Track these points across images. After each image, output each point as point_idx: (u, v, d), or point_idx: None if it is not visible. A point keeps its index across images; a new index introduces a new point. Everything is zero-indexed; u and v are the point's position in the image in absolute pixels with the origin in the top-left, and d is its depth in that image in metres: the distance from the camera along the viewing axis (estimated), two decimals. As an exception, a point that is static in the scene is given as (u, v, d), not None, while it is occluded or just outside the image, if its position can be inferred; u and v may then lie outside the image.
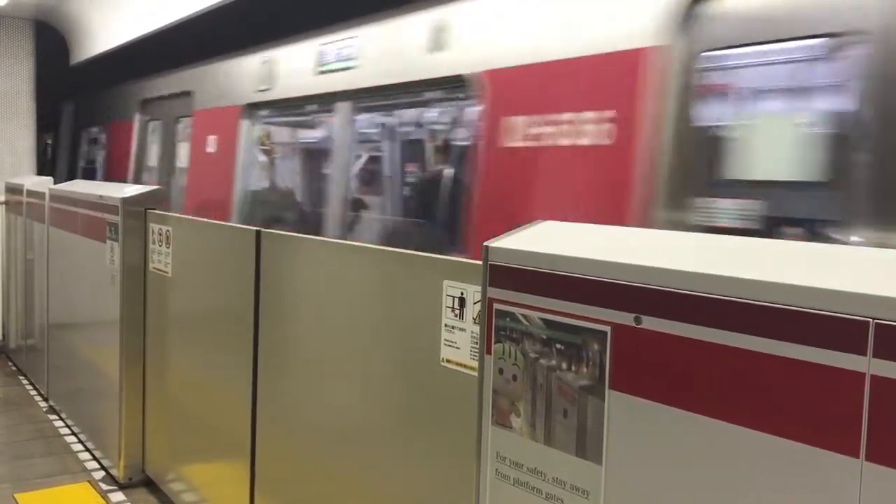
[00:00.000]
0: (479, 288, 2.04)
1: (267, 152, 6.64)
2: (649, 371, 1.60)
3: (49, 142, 12.36)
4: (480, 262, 2.00)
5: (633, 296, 1.63)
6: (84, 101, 10.75)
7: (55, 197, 5.74)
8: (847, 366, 1.31)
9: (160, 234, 4.27)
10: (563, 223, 2.10)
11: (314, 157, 7.05)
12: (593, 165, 3.38)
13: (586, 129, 3.39)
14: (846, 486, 1.31)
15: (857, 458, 1.30)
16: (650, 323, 1.60)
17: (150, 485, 4.48)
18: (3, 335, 7.46)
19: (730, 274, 1.48)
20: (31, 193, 6.45)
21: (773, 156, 2.86)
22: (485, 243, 1.98)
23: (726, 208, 2.94)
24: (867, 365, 1.28)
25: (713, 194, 2.97)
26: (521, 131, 3.70)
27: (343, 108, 5.45)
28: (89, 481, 4.57)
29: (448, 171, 5.19)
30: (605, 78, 3.37)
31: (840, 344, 1.32)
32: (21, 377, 6.72)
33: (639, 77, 3.18)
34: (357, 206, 5.90)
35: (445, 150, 5.46)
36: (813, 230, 2.76)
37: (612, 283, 1.67)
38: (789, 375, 1.38)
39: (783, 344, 1.39)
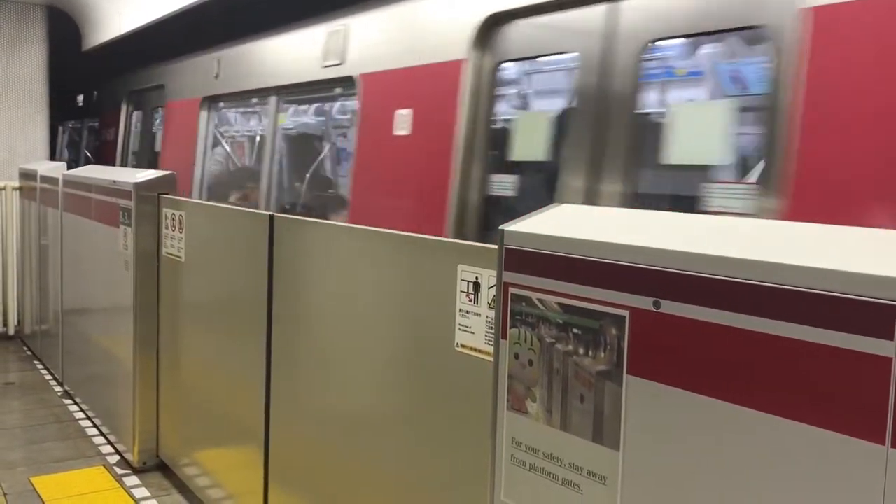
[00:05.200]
0: (494, 272, 2.02)
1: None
2: (668, 356, 1.58)
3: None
4: (496, 247, 1.98)
5: (652, 279, 1.60)
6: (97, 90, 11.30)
7: (68, 182, 5.75)
8: (872, 350, 1.28)
9: (173, 219, 4.27)
10: (581, 206, 2.07)
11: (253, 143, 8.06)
12: (425, 147, 4.38)
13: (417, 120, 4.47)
14: (870, 473, 1.29)
15: (883, 444, 1.27)
16: (669, 307, 1.57)
17: (164, 469, 4.50)
18: (18, 320, 7.50)
19: (750, 257, 1.45)
20: (44, 179, 6.46)
21: (528, 143, 3.95)
22: (501, 227, 1.96)
23: (500, 181, 4.09)
24: (894, 350, 1.26)
25: (496, 171, 4.12)
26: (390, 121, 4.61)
27: (272, 101, 6.44)
28: (104, 465, 4.59)
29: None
30: (432, 82, 4.42)
31: (865, 328, 1.29)
32: (36, 362, 6.76)
33: (456, 81, 4.15)
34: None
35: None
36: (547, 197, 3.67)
37: (630, 266, 1.65)
38: (812, 360, 1.35)
39: (806, 328, 1.36)
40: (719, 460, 1.50)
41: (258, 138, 7.67)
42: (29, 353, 7.06)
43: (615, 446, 1.69)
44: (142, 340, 4.47)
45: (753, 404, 1.44)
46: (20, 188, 7.36)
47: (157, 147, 8.65)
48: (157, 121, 8.90)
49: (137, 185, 4.44)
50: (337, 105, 7.05)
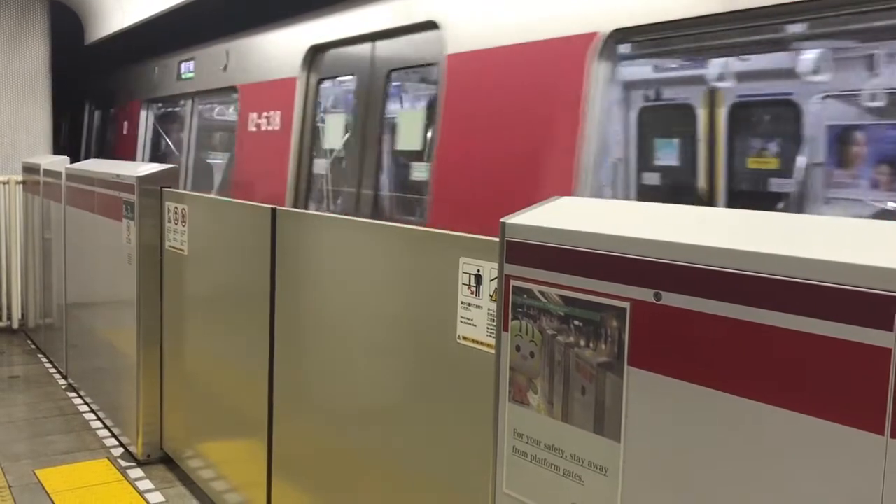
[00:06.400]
0: (495, 265, 2.02)
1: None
2: (669, 347, 1.59)
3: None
4: (497, 239, 1.98)
5: (653, 271, 1.61)
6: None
7: (71, 176, 5.75)
8: (872, 341, 1.28)
9: (176, 213, 4.27)
10: (582, 199, 2.07)
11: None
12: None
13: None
14: (870, 463, 1.29)
15: (882, 434, 1.28)
16: (670, 299, 1.58)
17: (168, 461, 4.52)
18: (22, 314, 7.52)
19: (751, 249, 1.46)
20: (47, 173, 6.47)
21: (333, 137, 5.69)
22: (502, 219, 1.96)
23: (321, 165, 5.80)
24: (893, 341, 1.26)
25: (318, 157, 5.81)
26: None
27: None
28: (108, 458, 4.61)
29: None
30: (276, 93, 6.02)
31: (865, 319, 1.29)
32: (40, 355, 6.79)
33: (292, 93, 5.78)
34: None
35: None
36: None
37: (631, 258, 1.65)
38: (813, 352, 1.36)
39: (806, 320, 1.36)
40: (720, 451, 1.51)
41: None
42: (33, 346, 7.09)
43: (616, 437, 1.70)
44: (145, 334, 4.49)
45: (754, 395, 1.45)
46: (23, 182, 7.38)
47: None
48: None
49: (140, 179, 4.44)
50: None
